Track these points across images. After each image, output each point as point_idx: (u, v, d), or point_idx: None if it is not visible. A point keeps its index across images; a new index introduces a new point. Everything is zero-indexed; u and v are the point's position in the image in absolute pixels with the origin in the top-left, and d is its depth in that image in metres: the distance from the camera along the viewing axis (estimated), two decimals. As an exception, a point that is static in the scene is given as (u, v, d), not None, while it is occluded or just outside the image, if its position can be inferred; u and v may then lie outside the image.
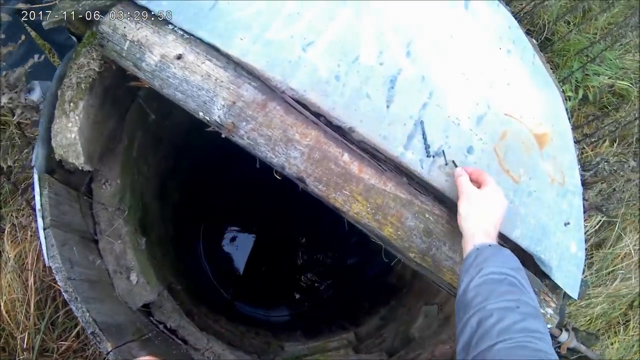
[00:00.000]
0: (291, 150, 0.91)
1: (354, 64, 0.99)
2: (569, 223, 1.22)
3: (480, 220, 0.85)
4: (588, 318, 1.74)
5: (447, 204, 1.02)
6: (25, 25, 1.60)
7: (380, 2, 1.06)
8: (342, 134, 0.95)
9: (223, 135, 0.93)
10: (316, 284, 2.51)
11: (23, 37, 1.34)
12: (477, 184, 0.93)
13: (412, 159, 0.98)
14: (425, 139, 1.01)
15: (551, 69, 2.11)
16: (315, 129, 0.93)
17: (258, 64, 0.94)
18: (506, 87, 1.17)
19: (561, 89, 1.33)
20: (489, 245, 0.81)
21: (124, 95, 1.15)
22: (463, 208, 0.87)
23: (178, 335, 1.18)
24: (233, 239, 2.60)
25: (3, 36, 1.30)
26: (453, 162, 1.02)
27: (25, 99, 1.19)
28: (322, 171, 0.92)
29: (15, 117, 1.18)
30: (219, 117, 0.93)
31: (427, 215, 0.97)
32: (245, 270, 2.49)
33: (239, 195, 2.52)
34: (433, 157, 1.01)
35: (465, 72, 1.10)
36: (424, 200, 0.98)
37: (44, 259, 1.03)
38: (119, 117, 1.17)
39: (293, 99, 0.94)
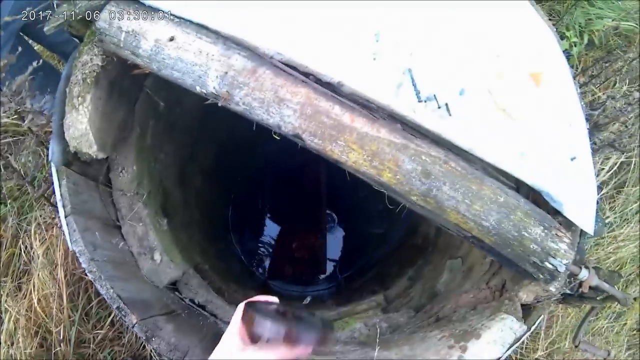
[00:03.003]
0: (284, 109, 1.00)
1: (336, 24, 1.07)
2: (575, 158, 1.25)
3: None
4: (617, 264, 1.74)
5: (444, 145, 1.08)
6: (25, 37, 1.74)
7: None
8: (332, 89, 1.03)
9: (220, 104, 1.03)
10: (347, 256, 2.59)
11: (20, 49, 1.47)
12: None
13: (403, 105, 1.05)
14: (414, 85, 1.07)
15: (552, 17, 2.13)
16: (305, 87, 1.01)
17: (245, 35, 1.03)
18: (494, 29, 1.22)
19: (555, 29, 1.37)
20: None
21: (131, 86, 1.26)
22: None
23: (206, 309, 1.27)
24: (261, 220, 2.71)
25: None
26: (446, 104, 1.08)
27: (32, 105, 1.32)
28: (316, 125, 1.00)
29: (25, 123, 1.31)
30: (214, 88, 1.02)
31: (423, 157, 1.04)
32: (276, 251, 2.59)
33: (262, 176, 2.63)
34: (425, 101, 1.07)
35: (451, 18, 1.16)
36: (419, 143, 1.04)
37: (68, 247, 1.14)
38: (128, 107, 1.28)
39: (282, 62, 1.03)
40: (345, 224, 2.72)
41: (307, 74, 1.03)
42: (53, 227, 1.59)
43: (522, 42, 1.26)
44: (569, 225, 1.24)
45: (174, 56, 1.05)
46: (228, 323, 1.31)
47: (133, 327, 1.10)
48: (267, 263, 2.53)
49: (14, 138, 1.69)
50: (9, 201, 1.62)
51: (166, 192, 1.45)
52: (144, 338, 1.09)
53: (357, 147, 1.00)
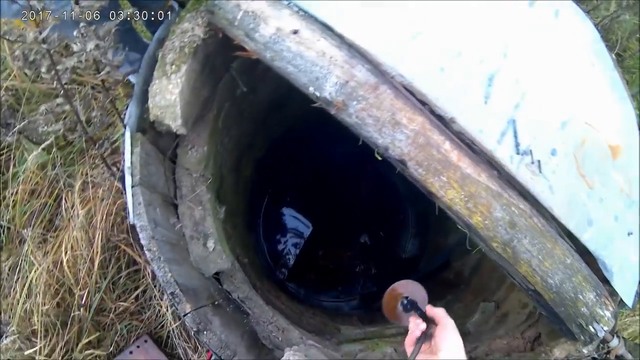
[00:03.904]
0: (397, 133, 1.02)
1: (457, 59, 1.10)
2: (632, 233, 1.35)
3: None
4: (630, 337, 1.88)
5: (530, 200, 1.14)
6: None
7: (479, 2, 1.18)
8: (444, 123, 1.07)
9: (332, 112, 1.04)
10: (371, 274, 2.65)
11: None
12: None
13: (503, 154, 1.10)
14: (516, 137, 1.13)
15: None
16: (422, 115, 1.04)
17: (370, 48, 1.05)
18: (588, 98, 1.29)
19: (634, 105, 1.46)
20: None
21: (221, 65, 1.25)
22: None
23: (246, 305, 1.28)
24: (293, 221, 2.73)
25: None
26: (538, 161, 1.14)
27: (112, 58, 1.28)
28: (424, 156, 1.03)
29: (101, 74, 1.27)
30: (329, 94, 1.04)
31: (512, 209, 1.09)
32: (301, 254, 2.61)
33: (303, 180, 2.66)
34: (522, 154, 1.13)
35: (553, 78, 1.23)
36: (511, 194, 1.10)
37: (127, 217, 1.13)
38: (213, 86, 1.26)
39: (401, 85, 1.05)
40: (376, 242, 2.77)
41: (423, 102, 1.07)
42: (99, 188, 1.54)
43: (609, 112, 1.35)
44: (612, 294, 1.34)
45: (295, 50, 1.05)
46: (263, 322, 1.33)
47: (184, 316, 1.10)
48: (289, 264, 2.56)
49: (78, 86, 1.63)
50: (53, 149, 1.56)
51: (222, 178, 1.44)
52: (194, 330, 1.10)
53: (457, 185, 1.05)
